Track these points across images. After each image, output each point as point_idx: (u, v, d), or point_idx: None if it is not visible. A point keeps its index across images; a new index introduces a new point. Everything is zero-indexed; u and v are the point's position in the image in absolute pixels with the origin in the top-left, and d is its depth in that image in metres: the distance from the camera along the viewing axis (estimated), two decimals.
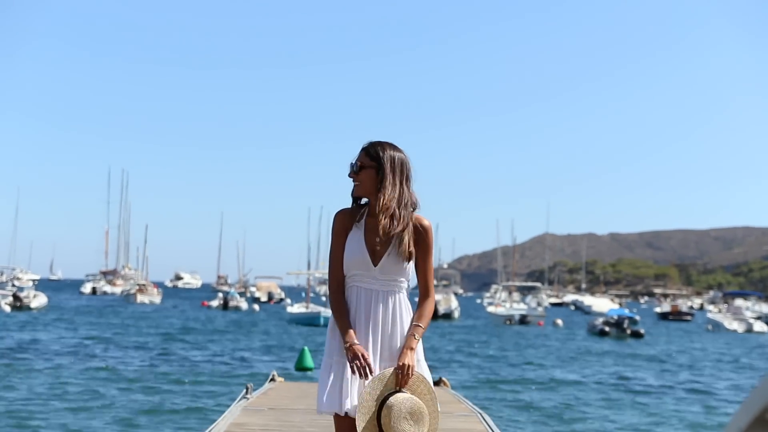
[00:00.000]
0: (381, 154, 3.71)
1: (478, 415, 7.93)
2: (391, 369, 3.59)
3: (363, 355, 3.57)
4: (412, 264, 3.73)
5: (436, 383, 12.45)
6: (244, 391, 8.59)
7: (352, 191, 3.76)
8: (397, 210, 3.66)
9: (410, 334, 3.65)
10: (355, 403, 3.54)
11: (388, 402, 3.51)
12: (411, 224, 3.71)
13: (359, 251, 3.68)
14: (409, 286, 3.78)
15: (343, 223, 3.76)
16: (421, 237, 3.73)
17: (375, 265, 3.67)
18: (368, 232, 3.70)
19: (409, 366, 3.59)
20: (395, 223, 3.65)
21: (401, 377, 3.58)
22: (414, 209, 3.75)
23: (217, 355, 24.87)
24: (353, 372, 3.57)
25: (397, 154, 3.73)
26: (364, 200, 3.79)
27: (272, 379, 10.76)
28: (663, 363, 27.74)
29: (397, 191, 3.68)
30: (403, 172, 3.72)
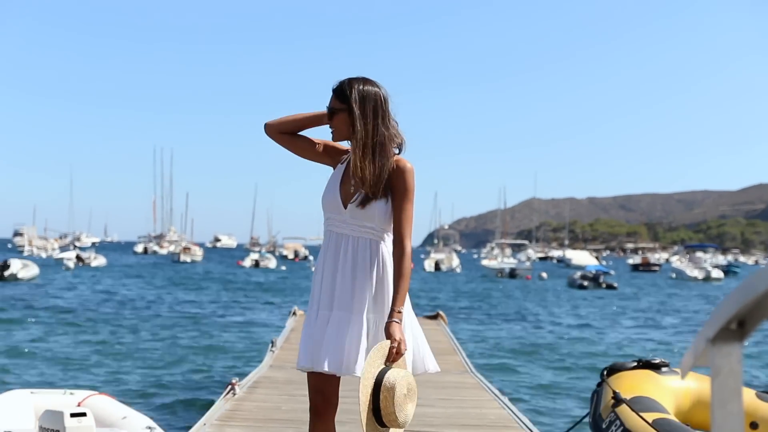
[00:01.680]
0: (348, 93, 2.93)
1: (471, 372, 7.64)
2: (386, 342, 2.82)
3: None
4: (387, 210, 2.95)
5: (434, 317, 12.37)
6: (270, 344, 8.67)
7: (331, 139, 3.06)
8: (370, 151, 2.91)
9: (390, 321, 2.85)
10: (333, 361, 2.85)
11: (386, 382, 2.75)
12: (386, 165, 2.94)
13: (332, 192, 3.01)
14: (387, 235, 2.99)
15: (336, 148, 3.11)
16: (394, 179, 2.94)
17: (345, 208, 2.98)
18: (347, 174, 3.02)
19: (401, 341, 2.84)
20: (368, 165, 2.91)
21: (394, 353, 2.83)
22: (400, 150, 3.00)
23: (252, 304, 24.74)
24: None
25: (367, 88, 2.95)
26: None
27: (294, 313, 12.10)
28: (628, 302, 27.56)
29: (370, 130, 2.92)
30: (376, 107, 2.93)
